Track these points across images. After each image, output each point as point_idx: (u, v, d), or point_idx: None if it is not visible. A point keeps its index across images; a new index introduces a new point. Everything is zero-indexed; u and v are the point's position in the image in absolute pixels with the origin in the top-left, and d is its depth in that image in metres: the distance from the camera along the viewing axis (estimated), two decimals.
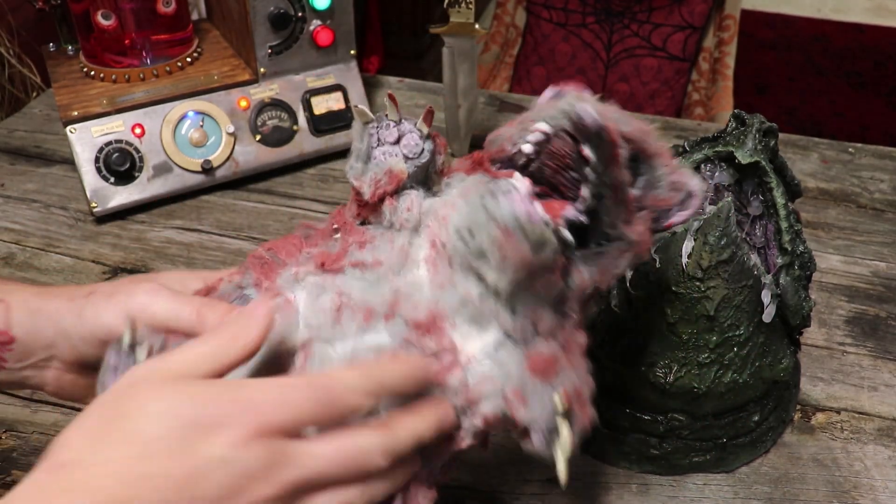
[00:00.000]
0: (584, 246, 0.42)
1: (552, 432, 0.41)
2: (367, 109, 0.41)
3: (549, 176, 0.42)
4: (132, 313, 0.40)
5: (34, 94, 1.13)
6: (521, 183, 0.39)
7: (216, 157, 0.89)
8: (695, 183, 0.45)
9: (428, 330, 0.39)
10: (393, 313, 0.39)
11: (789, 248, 0.57)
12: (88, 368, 0.43)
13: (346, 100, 0.96)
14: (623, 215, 0.41)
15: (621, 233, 0.41)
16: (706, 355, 0.56)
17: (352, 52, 0.96)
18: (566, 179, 0.42)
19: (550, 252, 0.39)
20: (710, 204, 0.57)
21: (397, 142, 0.41)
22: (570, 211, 0.40)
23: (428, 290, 0.40)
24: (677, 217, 0.44)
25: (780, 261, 0.57)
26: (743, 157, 0.57)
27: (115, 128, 0.87)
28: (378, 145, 0.41)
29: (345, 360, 0.39)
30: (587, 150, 0.39)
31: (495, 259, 0.38)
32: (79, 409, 0.64)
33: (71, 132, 0.86)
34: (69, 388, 0.46)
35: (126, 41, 0.92)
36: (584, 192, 0.40)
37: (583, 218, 0.41)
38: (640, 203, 0.43)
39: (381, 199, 0.41)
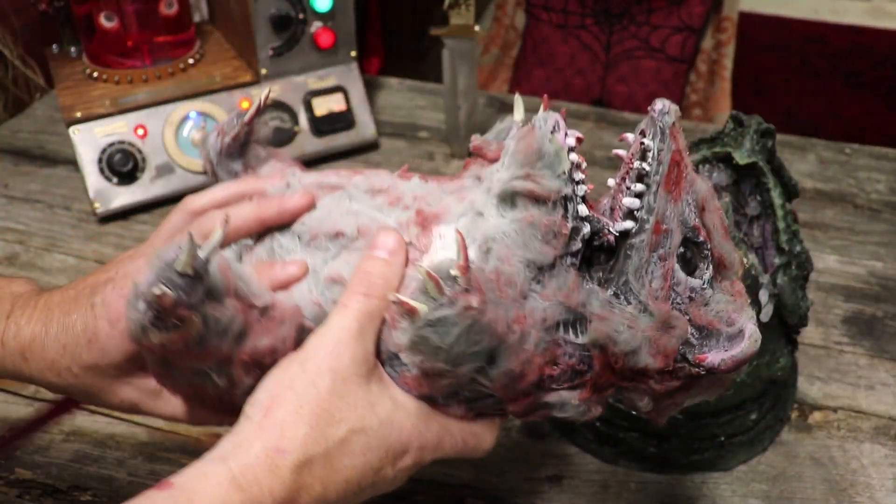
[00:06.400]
0: (606, 283, 0.39)
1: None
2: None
3: None
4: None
5: (37, 95, 1.13)
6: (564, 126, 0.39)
7: None
8: (751, 327, 0.38)
9: (420, 221, 0.42)
10: (409, 204, 0.43)
11: (787, 248, 0.57)
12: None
13: (347, 101, 0.96)
14: (653, 271, 0.38)
15: (641, 293, 0.38)
16: None
17: (352, 53, 0.96)
18: None
19: (551, 182, 0.38)
20: None
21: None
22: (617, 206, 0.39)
23: (452, 198, 0.43)
24: (714, 355, 0.38)
25: (777, 261, 0.58)
26: (741, 157, 0.57)
27: (118, 129, 0.87)
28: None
29: (347, 212, 0.43)
30: (649, 142, 0.38)
31: (511, 150, 0.39)
32: (81, 408, 0.65)
33: (74, 133, 0.86)
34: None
35: (128, 43, 0.92)
36: (627, 201, 0.38)
37: (614, 226, 0.39)
38: (681, 306, 0.38)
39: (478, 154, 0.45)
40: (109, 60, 0.93)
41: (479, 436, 0.42)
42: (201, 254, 0.38)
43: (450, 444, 0.41)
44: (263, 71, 0.92)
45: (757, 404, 0.61)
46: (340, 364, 0.37)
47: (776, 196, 0.58)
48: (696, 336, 0.38)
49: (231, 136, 0.47)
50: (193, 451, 0.62)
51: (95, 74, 0.92)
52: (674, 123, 0.38)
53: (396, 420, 0.39)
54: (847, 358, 0.71)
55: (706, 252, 0.39)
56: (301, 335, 0.40)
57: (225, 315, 0.39)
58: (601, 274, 0.39)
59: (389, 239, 0.40)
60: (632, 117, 1.08)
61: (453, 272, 0.36)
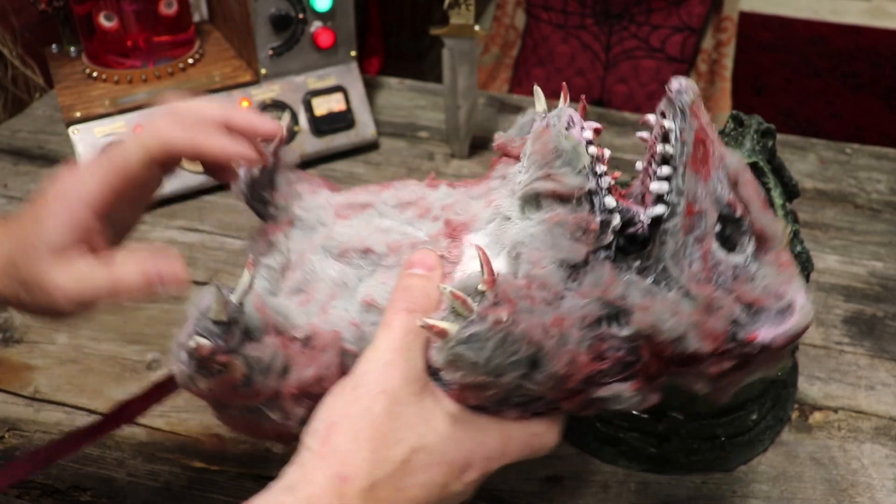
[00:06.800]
0: (643, 271, 0.38)
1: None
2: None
3: None
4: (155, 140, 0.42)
5: (37, 95, 1.13)
6: (578, 118, 0.39)
7: None
8: (801, 296, 0.37)
9: (450, 232, 0.41)
10: (439, 216, 0.42)
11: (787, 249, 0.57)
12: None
13: (347, 101, 0.96)
14: (691, 254, 0.36)
15: (682, 278, 0.36)
16: None
17: (352, 53, 0.96)
18: None
19: (572, 179, 0.37)
20: None
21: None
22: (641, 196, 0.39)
23: (479, 203, 0.42)
24: (765, 331, 0.36)
25: None
26: (741, 157, 0.57)
27: (118, 129, 0.87)
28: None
29: (377, 229, 0.43)
30: (669, 124, 0.37)
31: (529, 151, 0.39)
32: (81, 409, 0.65)
33: (73, 133, 0.86)
34: None
35: (128, 42, 0.92)
36: (654, 185, 0.37)
37: (644, 213, 0.38)
38: (726, 286, 0.37)
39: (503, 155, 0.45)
40: (109, 60, 0.93)
41: (541, 435, 0.41)
42: (234, 299, 0.38)
43: (514, 448, 0.40)
44: (263, 71, 0.92)
45: (757, 404, 0.61)
46: (392, 385, 0.37)
47: (777, 196, 0.58)
48: (745, 314, 0.36)
49: (259, 167, 0.47)
50: (193, 451, 0.62)
51: (95, 74, 0.92)
52: (693, 101, 0.36)
53: (455, 434, 0.38)
54: (847, 358, 0.71)
55: (745, 227, 0.38)
56: (344, 359, 0.40)
57: (266, 353, 0.39)
58: (639, 263, 0.38)
59: (426, 256, 0.40)
60: (632, 117, 1.08)
61: (480, 287, 0.35)
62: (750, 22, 2.88)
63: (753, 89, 2.68)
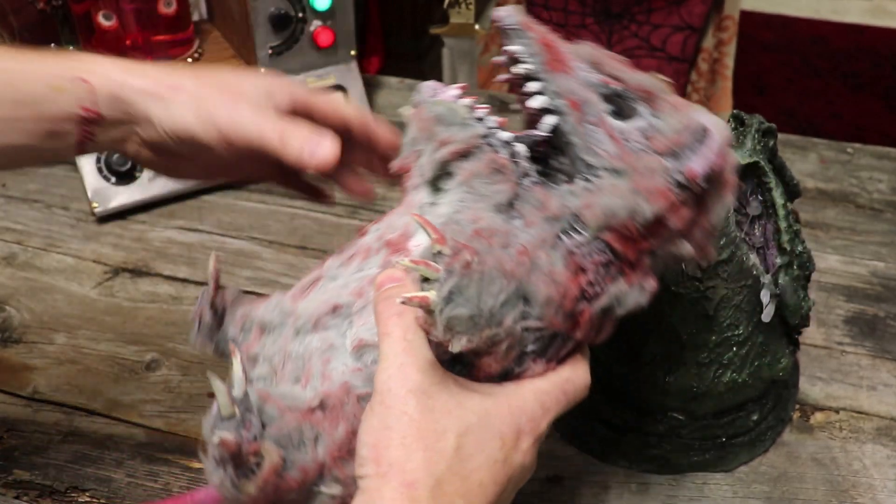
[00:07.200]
0: (570, 178, 0.40)
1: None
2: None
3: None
4: (216, 123, 0.44)
5: None
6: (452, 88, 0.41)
7: None
8: (707, 118, 0.40)
9: (397, 249, 0.42)
10: (381, 246, 0.43)
11: (788, 248, 0.57)
12: (165, 151, 0.47)
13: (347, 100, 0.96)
14: (598, 139, 0.39)
15: (603, 163, 0.39)
16: (705, 355, 0.56)
17: (352, 52, 0.96)
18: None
19: (463, 132, 0.39)
20: None
21: None
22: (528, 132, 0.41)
23: (405, 216, 0.43)
24: (697, 162, 0.39)
25: (779, 261, 0.57)
26: (742, 157, 0.57)
27: None
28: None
29: (336, 288, 0.43)
30: (513, 47, 0.40)
31: (415, 135, 0.40)
32: (80, 409, 0.65)
33: None
34: (146, 160, 0.49)
35: (127, 42, 0.92)
36: (534, 101, 0.40)
37: (540, 129, 0.40)
38: (643, 149, 0.39)
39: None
40: None
41: (572, 379, 0.42)
42: (236, 392, 0.38)
43: (552, 401, 0.41)
44: (262, 70, 0.92)
45: (758, 405, 0.61)
46: (415, 382, 0.37)
47: (777, 196, 0.58)
48: (672, 160, 0.39)
49: (206, 318, 0.47)
50: (192, 452, 0.62)
51: None
52: (521, 20, 0.39)
53: (492, 408, 0.39)
54: (849, 358, 0.71)
55: (628, 95, 0.40)
56: (363, 405, 0.40)
57: (291, 427, 0.39)
58: (563, 173, 0.41)
59: (390, 272, 0.40)
60: None
61: (434, 248, 0.36)
62: (751, 21, 2.88)
63: (755, 89, 2.68)
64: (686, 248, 0.41)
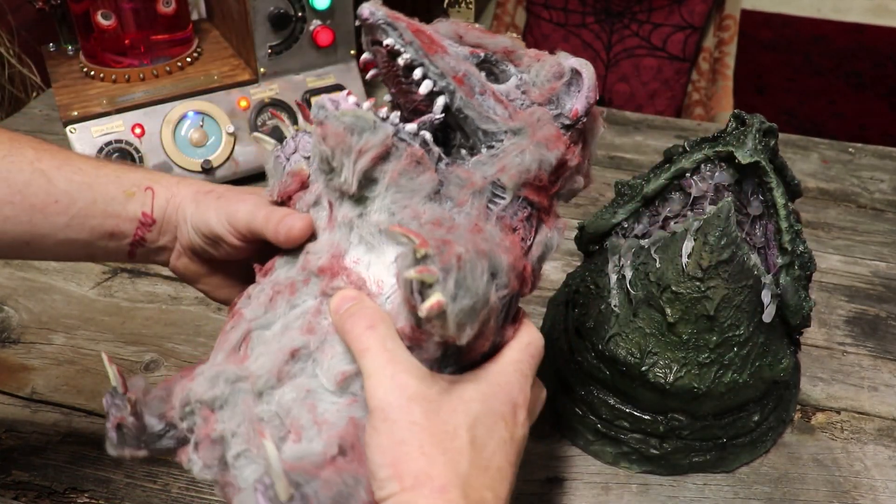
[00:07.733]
0: (473, 150, 0.43)
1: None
2: (265, 136, 0.49)
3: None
4: (232, 219, 0.46)
5: (34, 94, 1.13)
6: (341, 94, 0.42)
7: (216, 157, 0.89)
8: (574, 61, 0.44)
9: (333, 272, 0.41)
10: (308, 276, 0.42)
11: (789, 248, 0.57)
12: (196, 255, 0.50)
13: None
14: (489, 106, 0.42)
15: (500, 126, 0.42)
16: (706, 355, 0.56)
17: (352, 52, 0.96)
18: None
19: (377, 135, 0.40)
20: (710, 204, 0.57)
21: (296, 150, 0.47)
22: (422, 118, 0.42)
23: (324, 237, 0.43)
24: (577, 103, 0.43)
25: (780, 261, 0.57)
26: (743, 157, 0.57)
27: (115, 128, 0.87)
28: (287, 160, 0.47)
29: (277, 334, 0.42)
30: (388, 41, 0.41)
31: (327, 152, 0.40)
32: (78, 409, 0.65)
33: (71, 132, 0.86)
34: (182, 270, 0.51)
35: (126, 41, 0.92)
36: (422, 87, 0.41)
37: (434, 112, 0.42)
38: (527, 104, 0.43)
39: (289, 198, 0.46)
40: (106, 59, 0.92)
41: (533, 341, 0.43)
42: (276, 471, 0.37)
43: (528, 368, 0.42)
44: (262, 70, 0.92)
45: (759, 405, 0.60)
46: (411, 388, 0.37)
47: (779, 196, 0.57)
48: (554, 106, 0.43)
49: (129, 424, 0.43)
50: None
51: (92, 73, 0.92)
52: (387, 13, 0.41)
53: (487, 392, 0.40)
54: (850, 359, 0.71)
55: (495, 58, 0.44)
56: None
57: (335, 482, 0.38)
58: (468, 148, 0.43)
59: (342, 293, 0.40)
60: (633, 116, 1.07)
61: (419, 253, 0.36)
62: (752, 20, 2.88)
63: (755, 88, 2.68)
64: (579, 182, 0.46)
